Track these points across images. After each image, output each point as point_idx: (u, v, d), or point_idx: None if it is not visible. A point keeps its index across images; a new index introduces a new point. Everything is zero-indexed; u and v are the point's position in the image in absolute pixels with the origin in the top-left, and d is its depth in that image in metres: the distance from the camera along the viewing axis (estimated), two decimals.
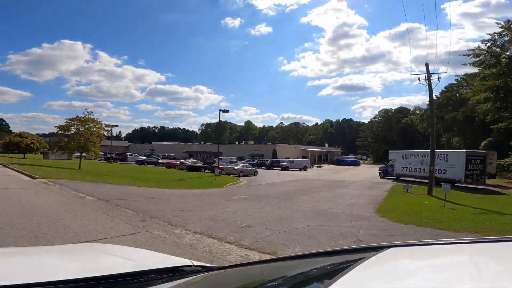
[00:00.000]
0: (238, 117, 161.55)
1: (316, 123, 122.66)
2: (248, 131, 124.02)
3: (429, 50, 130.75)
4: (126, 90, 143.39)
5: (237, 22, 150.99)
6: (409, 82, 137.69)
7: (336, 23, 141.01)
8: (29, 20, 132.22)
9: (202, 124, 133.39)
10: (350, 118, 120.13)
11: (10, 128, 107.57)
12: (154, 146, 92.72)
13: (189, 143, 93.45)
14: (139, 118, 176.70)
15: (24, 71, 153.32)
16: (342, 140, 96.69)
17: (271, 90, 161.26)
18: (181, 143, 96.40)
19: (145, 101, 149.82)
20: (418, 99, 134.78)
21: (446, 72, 29.46)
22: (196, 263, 1.39)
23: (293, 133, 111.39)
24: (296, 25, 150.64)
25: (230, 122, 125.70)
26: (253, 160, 49.31)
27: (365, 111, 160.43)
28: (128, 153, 64.12)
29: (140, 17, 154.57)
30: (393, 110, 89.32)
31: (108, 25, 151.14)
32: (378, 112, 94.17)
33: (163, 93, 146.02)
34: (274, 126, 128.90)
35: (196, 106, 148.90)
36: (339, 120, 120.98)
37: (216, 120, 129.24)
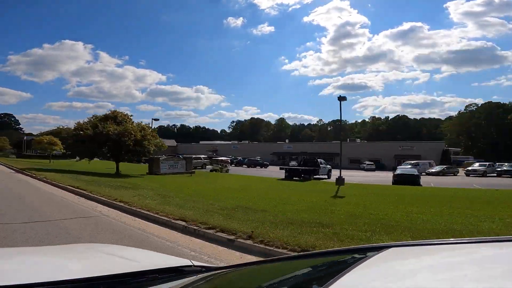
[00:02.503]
0: (239, 117, 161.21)
1: (363, 121, 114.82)
2: (281, 129, 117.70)
3: (431, 49, 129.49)
4: (127, 91, 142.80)
5: (239, 21, 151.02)
6: (410, 81, 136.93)
7: (339, 22, 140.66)
8: (30, 20, 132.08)
9: (232, 122, 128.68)
10: (404, 115, 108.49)
11: (20, 126, 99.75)
12: (217, 146, 77.08)
13: (277, 143, 77.56)
14: (139, 118, 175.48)
15: (25, 72, 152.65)
16: (394, 138, 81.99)
17: (272, 90, 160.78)
18: (259, 143, 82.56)
19: (146, 101, 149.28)
20: (419, 98, 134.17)
21: None
22: (196, 263, 1.39)
23: (333, 132, 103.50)
24: (298, 25, 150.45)
25: (263, 120, 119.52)
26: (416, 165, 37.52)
27: (366, 110, 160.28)
28: (223, 157, 51.19)
29: (142, 17, 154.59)
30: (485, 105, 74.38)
31: (110, 25, 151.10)
32: (466, 106, 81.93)
33: (164, 93, 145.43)
34: (306, 124, 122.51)
35: (197, 106, 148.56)
36: (388, 117, 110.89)
37: (242, 118, 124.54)
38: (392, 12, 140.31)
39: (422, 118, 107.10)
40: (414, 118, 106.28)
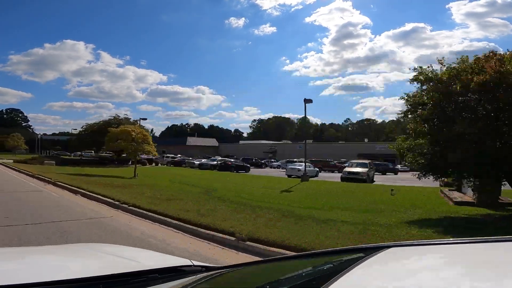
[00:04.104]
0: (239, 117, 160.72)
1: (399, 120, 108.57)
2: (304, 128, 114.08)
3: (433, 49, 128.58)
4: (127, 91, 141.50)
5: (241, 22, 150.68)
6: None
7: (341, 22, 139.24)
8: (31, 19, 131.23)
9: (254, 120, 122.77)
10: None
11: (28, 123, 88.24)
12: (276, 146, 67.03)
13: (365, 142, 64.87)
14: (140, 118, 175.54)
15: (26, 72, 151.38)
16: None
17: (272, 90, 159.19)
18: (336, 143, 70.79)
19: (146, 101, 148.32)
20: None
21: None
22: (196, 263, 1.39)
23: (362, 131, 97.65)
24: (300, 25, 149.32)
25: (289, 118, 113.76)
26: None
27: (366, 111, 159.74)
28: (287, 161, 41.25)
29: (144, 17, 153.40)
30: None
31: (111, 25, 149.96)
32: None
33: (164, 93, 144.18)
34: (327, 124, 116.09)
35: (198, 106, 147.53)
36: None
37: (252, 118, 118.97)
38: (395, 12, 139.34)
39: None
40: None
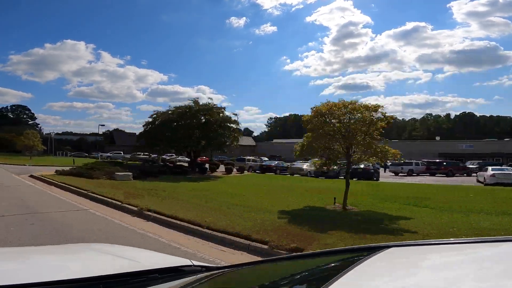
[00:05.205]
0: (239, 117, 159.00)
1: (423, 118, 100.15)
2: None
3: (434, 49, 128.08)
4: (128, 91, 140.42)
5: (242, 21, 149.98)
6: (412, 81, 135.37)
7: (342, 22, 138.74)
8: (31, 19, 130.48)
9: (270, 118, 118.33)
10: (470, 112, 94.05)
11: (36, 121, 79.42)
12: None
13: (446, 141, 56.07)
14: (140, 119, 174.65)
15: (26, 72, 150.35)
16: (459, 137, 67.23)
17: (273, 90, 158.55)
18: (409, 141, 63.93)
19: (147, 101, 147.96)
20: (421, 98, 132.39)
21: None
22: (196, 263, 1.39)
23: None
24: (301, 25, 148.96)
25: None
26: None
27: None
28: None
29: (145, 17, 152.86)
30: None
31: (112, 25, 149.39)
32: None
33: (165, 93, 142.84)
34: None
35: None
36: (449, 114, 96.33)
37: (253, 117, 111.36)
38: (396, 12, 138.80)
39: (484, 115, 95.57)
40: (479, 116, 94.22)
